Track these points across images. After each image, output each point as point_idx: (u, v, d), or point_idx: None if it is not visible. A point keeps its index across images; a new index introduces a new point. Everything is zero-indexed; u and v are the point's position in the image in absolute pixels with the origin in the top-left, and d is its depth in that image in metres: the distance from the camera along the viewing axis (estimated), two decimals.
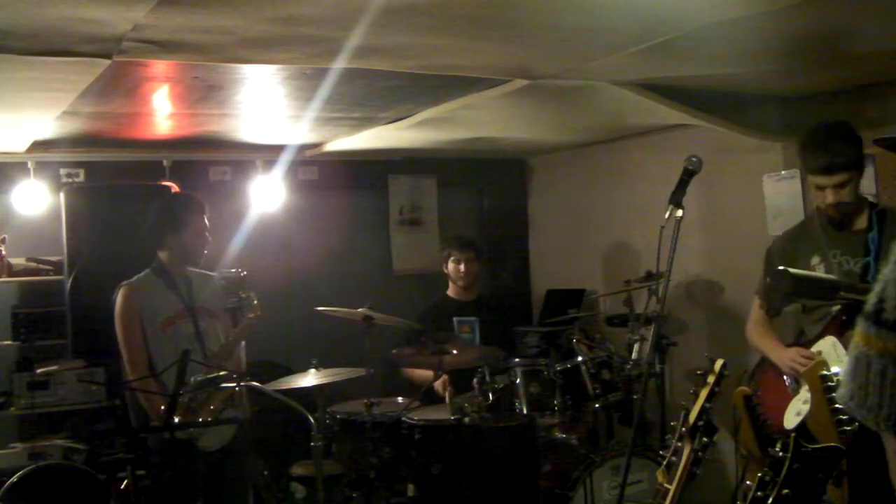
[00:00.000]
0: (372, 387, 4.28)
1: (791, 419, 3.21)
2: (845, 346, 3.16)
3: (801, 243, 3.49)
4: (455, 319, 5.04)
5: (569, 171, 6.42)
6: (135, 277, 3.91)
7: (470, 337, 4.99)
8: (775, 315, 3.63)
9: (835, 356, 3.18)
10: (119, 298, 3.85)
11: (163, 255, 3.96)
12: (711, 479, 3.15)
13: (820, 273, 3.32)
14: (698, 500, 3.17)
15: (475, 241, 5.34)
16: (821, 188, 3.30)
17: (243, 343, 5.02)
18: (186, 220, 3.93)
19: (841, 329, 3.24)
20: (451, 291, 5.21)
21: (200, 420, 3.63)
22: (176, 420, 3.42)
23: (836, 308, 3.28)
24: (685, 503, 2.73)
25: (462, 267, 5.11)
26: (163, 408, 3.50)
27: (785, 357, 3.37)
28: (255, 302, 4.17)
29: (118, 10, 2.54)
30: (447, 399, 4.47)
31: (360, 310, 4.34)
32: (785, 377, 3.38)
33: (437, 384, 4.58)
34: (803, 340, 3.45)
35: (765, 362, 3.54)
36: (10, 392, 5.02)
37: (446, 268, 5.20)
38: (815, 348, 3.29)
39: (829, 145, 3.25)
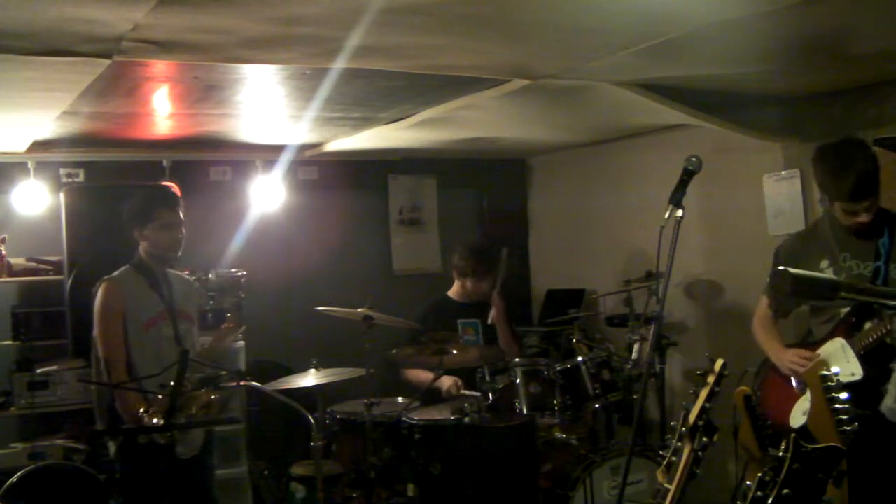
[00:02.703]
0: (372, 387, 4.28)
1: (798, 418, 3.21)
2: (854, 348, 3.16)
3: (811, 246, 3.48)
4: (459, 322, 5.02)
5: (569, 171, 6.42)
6: (116, 272, 3.76)
7: (474, 339, 4.97)
8: (783, 317, 3.63)
9: (843, 357, 3.17)
10: (100, 294, 3.70)
11: (141, 251, 3.81)
12: (711, 479, 3.15)
13: (828, 275, 3.31)
14: (698, 500, 3.17)
15: (495, 259, 5.21)
16: (852, 213, 3.26)
17: (242, 343, 5.04)
18: (152, 214, 3.75)
19: (850, 330, 3.23)
20: (452, 293, 5.18)
21: (180, 423, 3.44)
22: (155, 421, 3.28)
23: (846, 310, 3.28)
24: (685, 503, 2.73)
25: (483, 286, 5.01)
26: (142, 410, 3.36)
27: (785, 358, 3.38)
28: (229, 314, 4.06)
29: (118, 10, 2.54)
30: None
31: (360, 310, 4.34)
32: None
33: (450, 384, 4.56)
34: (811, 341, 3.45)
35: (770, 361, 3.54)
36: (10, 392, 5.02)
37: (458, 276, 5.09)
38: (823, 349, 3.29)
39: (854, 169, 3.18)
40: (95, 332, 3.70)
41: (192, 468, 3.74)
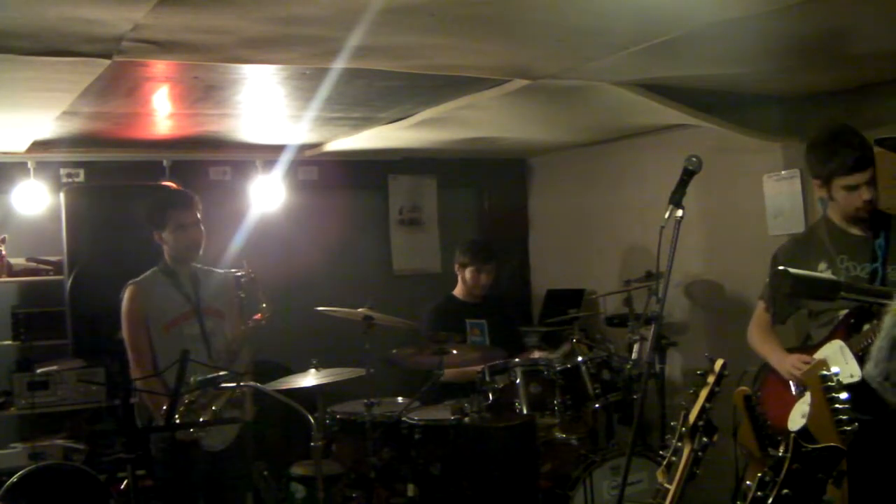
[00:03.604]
0: (372, 387, 4.28)
1: (796, 421, 3.20)
2: (852, 350, 3.16)
3: (809, 249, 3.47)
4: (467, 321, 5.02)
5: (569, 171, 6.42)
6: (142, 276, 3.86)
7: (480, 339, 4.98)
8: (781, 323, 3.62)
9: (842, 359, 3.16)
10: (125, 298, 3.81)
11: (164, 253, 3.90)
12: (711, 479, 3.14)
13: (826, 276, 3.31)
14: (698, 500, 3.17)
15: (495, 253, 5.23)
16: (854, 188, 3.25)
17: None
18: (166, 217, 3.82)
19: (849, 332, 3.23)
20: (458, 292, 5.18)
21: (202, 420, 3.61)
22: (177, 420, 3.40)
23: (844, 312, 3.28)
24: (685, 503, 2.73)
25: (482, 278, 5.06)
26: (164, 408, 3.48)
27: (786, 363, 3.36)
28: (264, 304, 4.04)
29: (118, 10, 2.55)
30: None
31: (360, 310, 4.34)
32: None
33: None
34: (810, 344, 3.44)
35: (769, 364, 3.53)
36: (10, 392, 5.03)
37: (460, 272, 5.13)
38: (821, 351, 3.28)
39: (852, 142, 3.23)
40: (123, 334, 3.82)
41: (226, 459, 3.82)
